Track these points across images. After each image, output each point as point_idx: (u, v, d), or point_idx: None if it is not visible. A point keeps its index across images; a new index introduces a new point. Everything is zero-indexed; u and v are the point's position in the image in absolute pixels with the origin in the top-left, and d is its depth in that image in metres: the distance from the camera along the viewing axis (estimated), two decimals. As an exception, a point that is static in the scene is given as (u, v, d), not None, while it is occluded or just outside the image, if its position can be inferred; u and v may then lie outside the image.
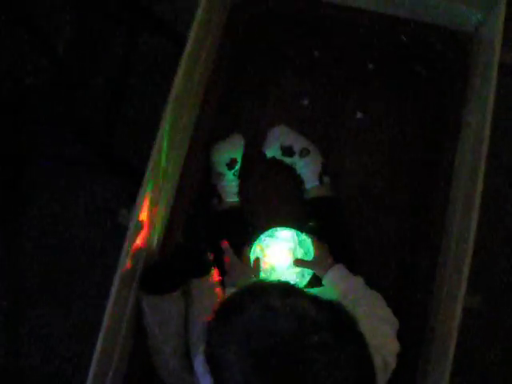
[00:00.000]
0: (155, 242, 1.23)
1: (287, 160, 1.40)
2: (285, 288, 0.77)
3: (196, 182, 1.39)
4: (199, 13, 1.17)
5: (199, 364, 0.92)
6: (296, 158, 1.38)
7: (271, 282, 0.80)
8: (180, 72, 1.13)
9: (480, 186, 1.05)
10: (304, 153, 1.37)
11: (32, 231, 1.63)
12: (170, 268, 1.14)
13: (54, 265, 1.60)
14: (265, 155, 1.41)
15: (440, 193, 1.34)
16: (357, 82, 1.49)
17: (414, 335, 1.19)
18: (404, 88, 1.48)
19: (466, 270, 0.99)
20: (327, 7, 1.42)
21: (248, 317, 0.71)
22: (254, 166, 1.43)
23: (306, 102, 1.48)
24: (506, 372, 1.44)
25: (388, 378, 0.91)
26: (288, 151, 1.38)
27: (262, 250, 1.25)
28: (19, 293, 1.58)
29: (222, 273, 1.18)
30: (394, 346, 0.96)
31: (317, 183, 1.36)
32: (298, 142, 1.38)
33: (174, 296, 1.12)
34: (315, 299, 0.74)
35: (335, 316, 0.72)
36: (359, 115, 1.47)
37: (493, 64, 1.13)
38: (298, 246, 1.25)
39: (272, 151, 1.40)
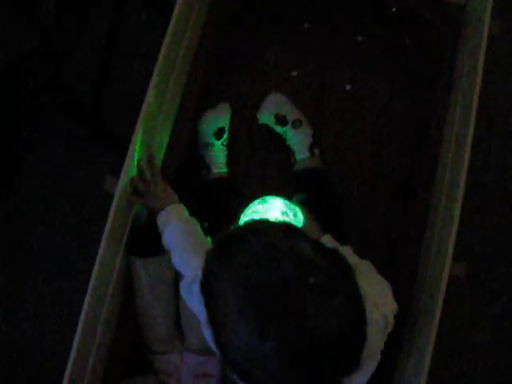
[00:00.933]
0: (144, 211, 1.23)
1: (278, 129, 1.40)
2: (288, 228, 0.77)
3: (184, 153, 1.39)
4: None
5: (194, 294, 0.92)
6: (288, 128, 1.38)
7: (277, 221, 0.81)
8: (166, 43, 1.13)
9: (467, 156, 1.05)
10: (297, 124, 1.37)
11: (21, 210, 1.60)
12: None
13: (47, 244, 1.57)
14: (257, 120, 1.41)
15: (427, 165, 1.35)
16: (346, 54, 1.48)
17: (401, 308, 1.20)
18: (393, 60, 1.47)
19: (452, 239, 0.99)
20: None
21: (249, 251, 0.71)
22: (242, 137, 1.43)
23: (295, 74, 1.48)
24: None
25: (385, 339, 0.91)
26: (282, 120, 1.38)
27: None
28: (15, 268, 1.56)
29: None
30: (392, 305, 0.97)
31: (307, 155, 1.36)
32: (292, 112, 1.39)
33: (167, 257, 1.12)
34: (316, 244, 0.75)
35: (333, 262, 0.73)
36: (348, 87, 1.47)
37: (482, 35, 1.12)
38: (287, 213, 1.25)
39: (266, 118, 1.40)
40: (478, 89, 1.09)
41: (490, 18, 1.13)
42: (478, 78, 1.09)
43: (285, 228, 0.78)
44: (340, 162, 1.42)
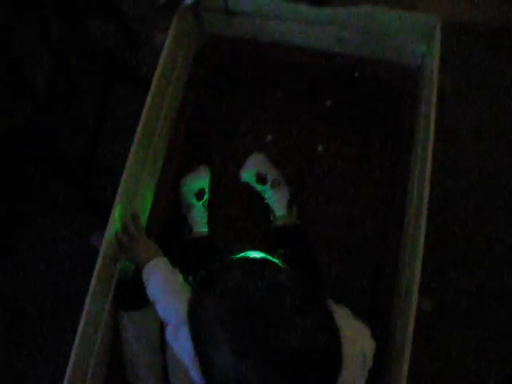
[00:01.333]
0: (131, 266, 1.28)
1: (258, 187, 1.48)
2: (265, 260, 0.86)
3: (167, 214, 1.47)
4: (164, 53, 1.28)
5: (180, 337, 0.96)
6: (267, 187, 1.47)
7: (257, 257, 0.89)
8: (146, 109, 1.23)
9: (425, 206, 1.13)
10: (275, 183, 1.46)
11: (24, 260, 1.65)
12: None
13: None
14: (239, 179, 1.50)
15: (395, 221, 1.43)
16: (317, 118, 1.60)
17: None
18: (360, 121, 1.58)
19: (417, 274, 1.05)
20: (285, 50, 1.56)
21: (230, 279, 0.79)
22: (222, 197, 1.51)
23: (269, 138, 1.58)
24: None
25: (366, 377, 0.94)
26: (262, 179, 1.47)
27: None
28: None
29: None
30: (370, 344, 0.99)
31: (285, 212, 1.44)
32: (271, 172, 1.48)
33: (152, 310, 1.14)
34: (291, 272, 0.82)
35: (306, 286, 0.80)
36: (320, 148, 1.57)
37: (432, 92, 1.23)
38: None
39: (248, 175, 1.49)
40: (432, 141, 1.18)
41: (441, 74, 1.25)
42: (431, 135, 1.18)
43: (262, 260, 0.86)
44: (310, 222, 1.49)
